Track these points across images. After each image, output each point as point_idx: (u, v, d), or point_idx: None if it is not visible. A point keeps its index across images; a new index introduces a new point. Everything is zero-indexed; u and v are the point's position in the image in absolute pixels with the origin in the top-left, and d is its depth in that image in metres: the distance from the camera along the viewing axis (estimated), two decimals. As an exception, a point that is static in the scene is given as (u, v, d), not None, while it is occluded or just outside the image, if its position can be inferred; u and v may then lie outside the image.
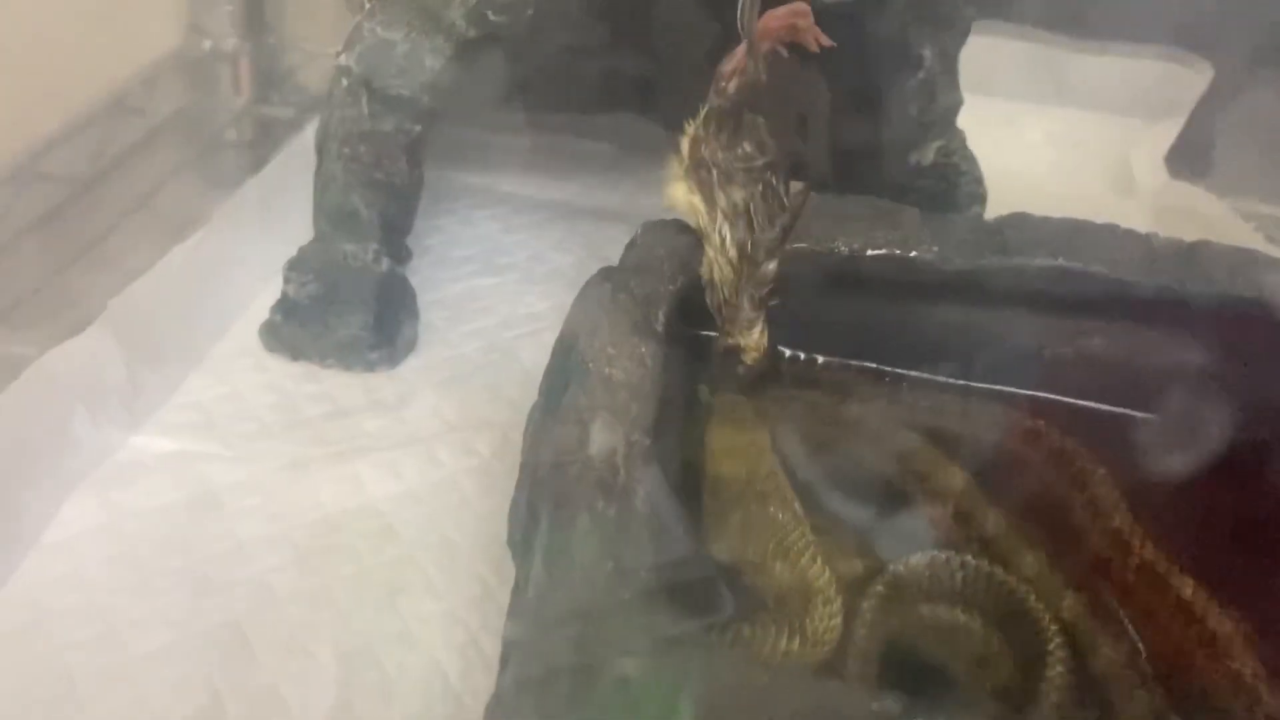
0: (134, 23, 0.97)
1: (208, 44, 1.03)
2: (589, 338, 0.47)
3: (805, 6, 0.56)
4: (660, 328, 0.50)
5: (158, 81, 0.98)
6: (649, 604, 0.36)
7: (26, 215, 0.78)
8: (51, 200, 0.80)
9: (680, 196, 0.56)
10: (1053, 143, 0.98)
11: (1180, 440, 0.58)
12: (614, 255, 0.56)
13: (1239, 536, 0.54)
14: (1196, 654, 0.47)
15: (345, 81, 0.63)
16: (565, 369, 0.49)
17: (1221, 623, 0.47)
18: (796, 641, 0.43)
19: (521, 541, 0.48)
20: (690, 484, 0.51)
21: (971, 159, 0.73)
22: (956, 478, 0.53)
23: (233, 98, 1.03)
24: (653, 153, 0.61)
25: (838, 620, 0.45)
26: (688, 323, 0.54)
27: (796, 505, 0.49)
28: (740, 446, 0.52)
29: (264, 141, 0.97)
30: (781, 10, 0.56)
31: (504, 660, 0.41)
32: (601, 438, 0.42)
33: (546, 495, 0.42)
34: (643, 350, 0.47)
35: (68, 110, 0.87)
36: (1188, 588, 0.48)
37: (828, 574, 0.46)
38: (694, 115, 0.58)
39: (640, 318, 0.49)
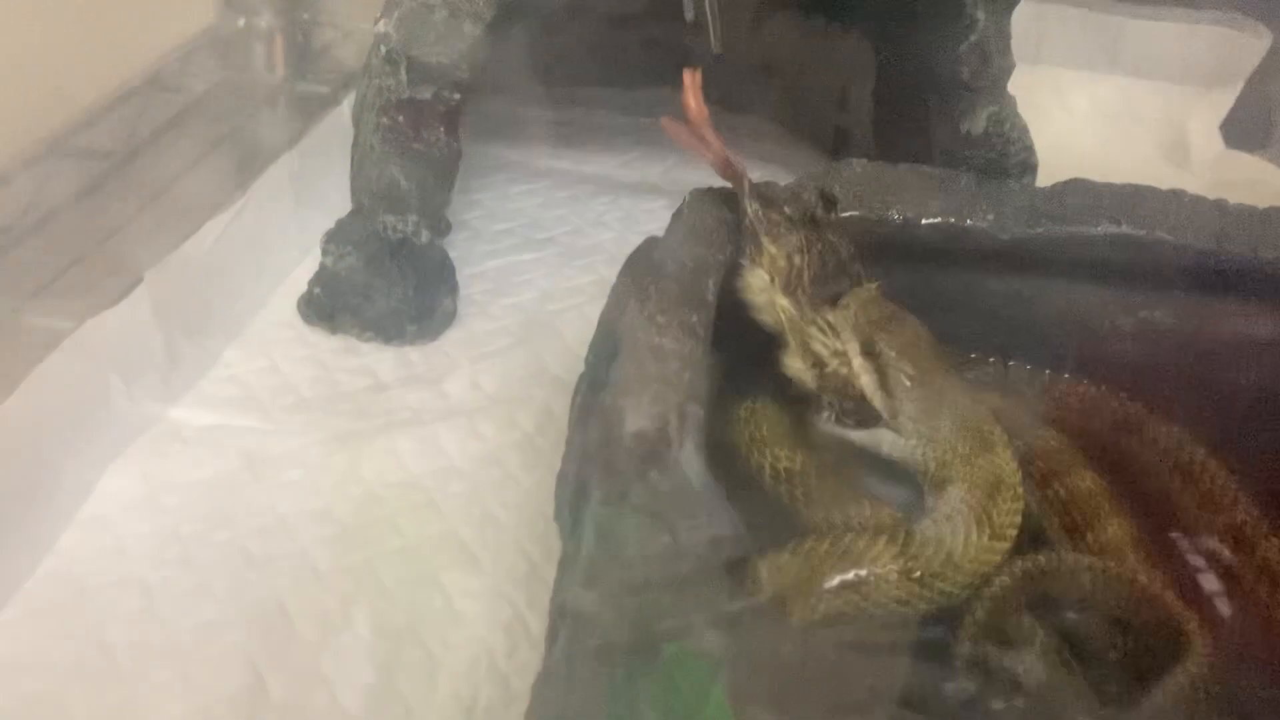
0: (169, 0, 0.97)
1: (242, 21, 1.02)
2: (637, 307, 0.46)
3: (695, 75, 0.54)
4: (710, 297, 0.48)
5: (192, 59, 0.97)
6: (706, 579, 0.34)
7: (62, 191, 0.77)
8: (87, 176, 0.79)
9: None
10: (1104, 112, 0.95)
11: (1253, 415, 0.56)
12: (655, 229, 0.55)
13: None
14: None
15: (383, 49, 0.61)
16: (612, 339, 0.47)
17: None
18: (985, 534, 0.43)
19: (570, 516, 0.47)
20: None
21: (1023, 127, 0.71)
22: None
23: (267, 75, 1.02)
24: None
25: (1019, 518, 0.45)
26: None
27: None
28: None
29: (299, 118, 0.95)
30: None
31: (551, 636, 0.40)
32: (654, 409, 0.41)
33: (597, 468, 0.41)
34: (693, 319, 0.46)
35: (103, 87, 0.87)
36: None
37: (1019, 472, 0.46)
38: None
39: (690, 286, 0.47)
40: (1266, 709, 0.42)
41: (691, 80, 0.53)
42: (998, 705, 0.30)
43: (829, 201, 0.53)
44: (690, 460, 0.39)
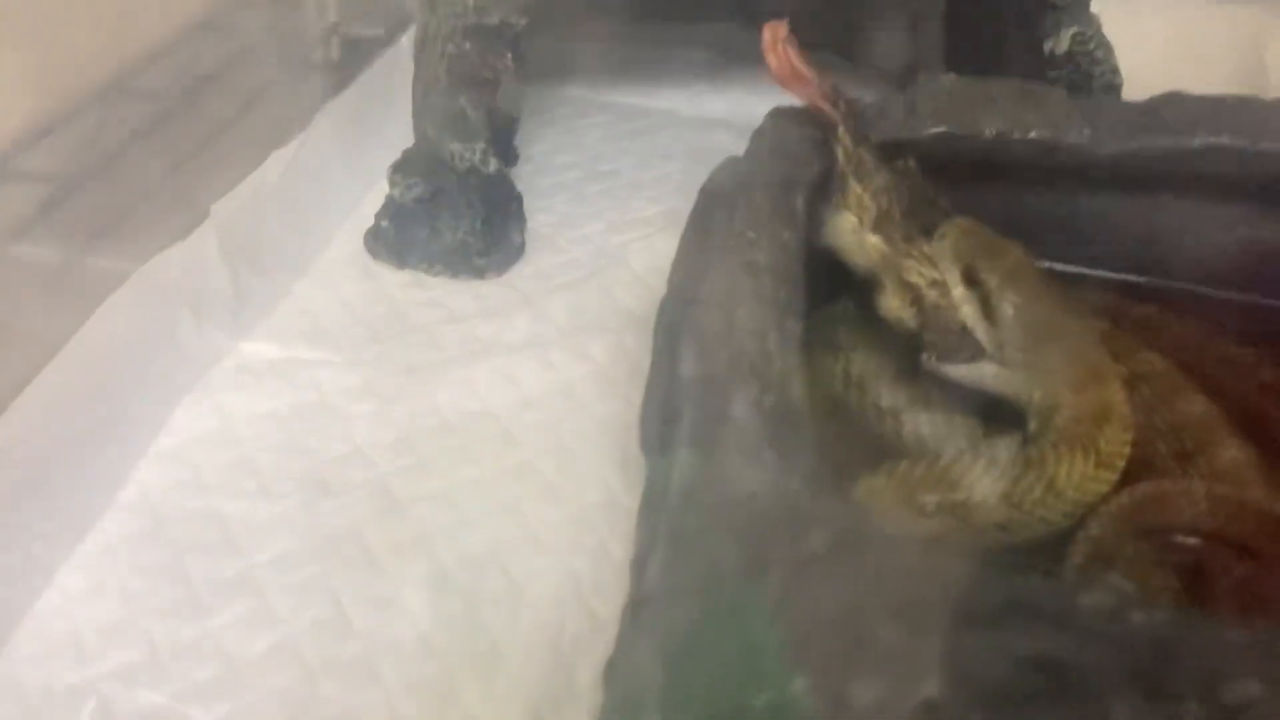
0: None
1: (289, -34, 1.00)
2: (726, 223, 0.44)
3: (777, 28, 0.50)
4: (801, 212, 0.46)
5: (245, 3, 0.95)
6: (818, 493, 0.33)
7: (122, 132, 0.76)
8: (146, 117, 0.78)
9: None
10: (1181, 36, 0.91)
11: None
12: (721, 161, 0.52)
13: None
14: None
15: (447, -28, 0.60)
16: (699, 257, 0.46)
17: None
18: (1091, 462, 0.41)
19: (659, 440, 0.45)
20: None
21: (1108, 46, 0.68)
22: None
23: (318, 18, 1.00)
24: (755, 60, 0.56)
25: (1128, 449, 0.43)
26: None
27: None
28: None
29: (352, 61, 0.94)
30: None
31: (640, 564, 0.38)
32: (752, 324, 0.39)
33: (691, 389, 0.39)
34: (785, 235, 0.44)
35: (157, 31, 0.86)
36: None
37: (1128, 402, 0.44)
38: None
39: (780, 201, 0.45)
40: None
41: (770, 37, 0.50)
42: (1138, 617, 0.28)
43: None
44: (793, 377, 0.37)
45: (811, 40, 0.88)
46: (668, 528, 0.38)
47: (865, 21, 0.87)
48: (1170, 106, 0.54)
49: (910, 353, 0.49)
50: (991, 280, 0.46)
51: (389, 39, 0.89)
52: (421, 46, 0.66)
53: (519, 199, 0.66)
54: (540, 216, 0.68)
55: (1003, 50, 0.72)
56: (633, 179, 0.74)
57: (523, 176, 0.71)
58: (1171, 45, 0.92)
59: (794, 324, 0.39)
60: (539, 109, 0.80)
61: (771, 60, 0.49)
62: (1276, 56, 0.89)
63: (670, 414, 0.42)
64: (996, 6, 0.71)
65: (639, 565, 0.38)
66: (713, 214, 0.47)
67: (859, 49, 0.88)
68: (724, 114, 0.81)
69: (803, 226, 0.46)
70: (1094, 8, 0.70)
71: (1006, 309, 0.46)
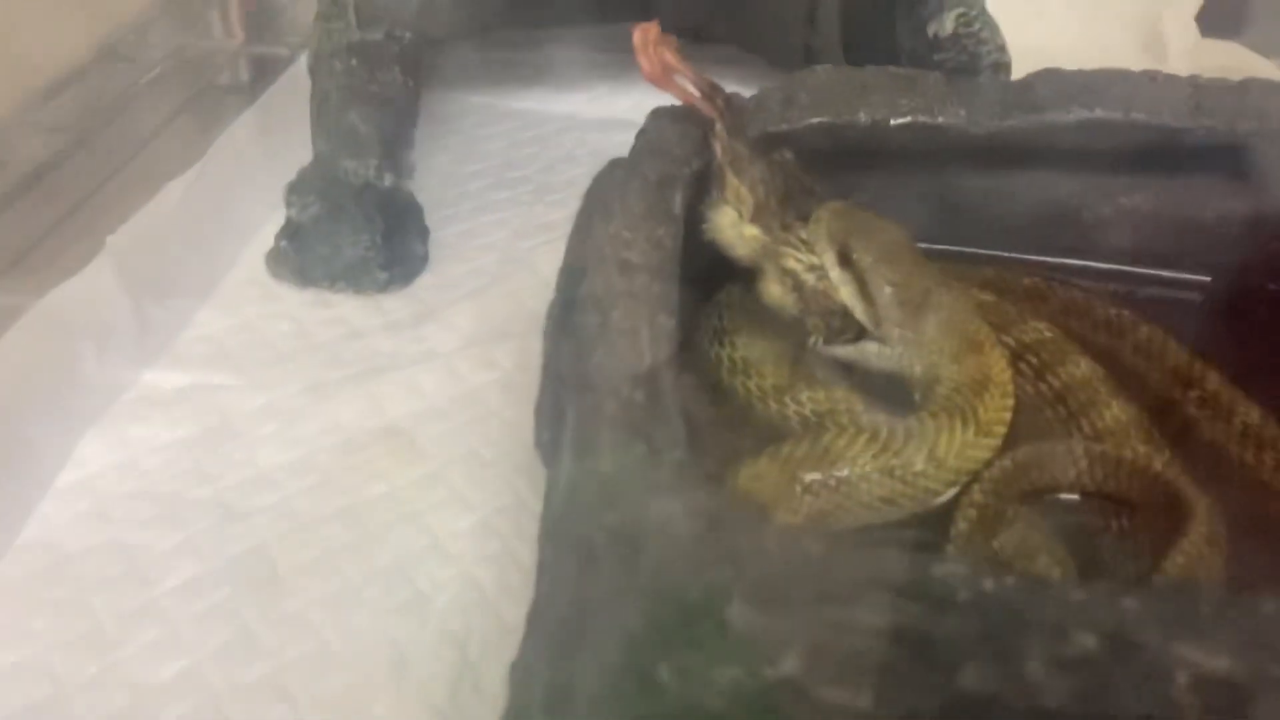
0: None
1: (195, -13, 1.00)
2: (603, 225, 0.45)
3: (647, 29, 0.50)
4: (677, 209, 0.47)
5: (148, 28, 0.95)
6: (684, 483, 0.34)
7: (22, 168, 0.76)
8: (47, 152, 0.78)
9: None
10: (1078, 12, 0.93)
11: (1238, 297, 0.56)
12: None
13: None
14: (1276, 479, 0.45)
15: (329, -9, 0.60)
16: (581, 261, 0.46)
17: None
18: (971, 430, 0.42)
19: (550, 441, 0.46)
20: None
21: (994, 25, 0.69)
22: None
23: (225, 40, 1.00)
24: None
25: (1008, 415, 0.44)
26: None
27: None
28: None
29: (260, 82, 0.94)
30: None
31: (541, 565, 0.39)
32: (626, 322, 0.40)
33: (571, 388, 0.40)
34: (660, 232, 0.45)
35: (58, 62, 0.85)
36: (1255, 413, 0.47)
37: (1008, 369, 0.45)
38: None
39: (655, 200, 0.46)
40: (1262, 578, 0.41)
41: (641, 39, 0.50)
42: (989, 586, 0.29)
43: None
44: (663, 371, 0.38)
45: (711, 34, 0.90)
46: (554, 529, 0.39)
47: (763, 13, 0.88)
48: (1044, 83, 0.55)
49: (797, 335, 0.50)
50: (866, 259, 0.47)
51: (293, 58, 0.89)
52: (314, 65, 0.66)
53: (420, 210, 0.66)
54: (445, 227, 0.69)
55: (894, 36, 0.73)
56: (538, 184, 0.75)
57: (427, 187, 0.71)
58: (1071, 18, 0.94)
59: (666, 319, 0.40)
60: (442, 119, 0.81)
61: (643, 62, 0.49)
62: (1172, 22, 0.91)
63: (557, 416, 0.43)
64: (882, -4, 0.72)
65: (541, 566, 0.39)
66: (593, 216, 0.48)
67: (758, 41, 0.89)
68: (627, 114, 0.81)
69: (680, 223, 0.47)
70: (988, -16, 0.71)
71: (883, 287, 0.47)
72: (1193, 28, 0.88)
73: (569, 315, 0.44)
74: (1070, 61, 0.62)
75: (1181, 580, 0.37)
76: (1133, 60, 0.88)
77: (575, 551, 0.35)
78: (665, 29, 0.95)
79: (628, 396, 0.37)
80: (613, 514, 0.33)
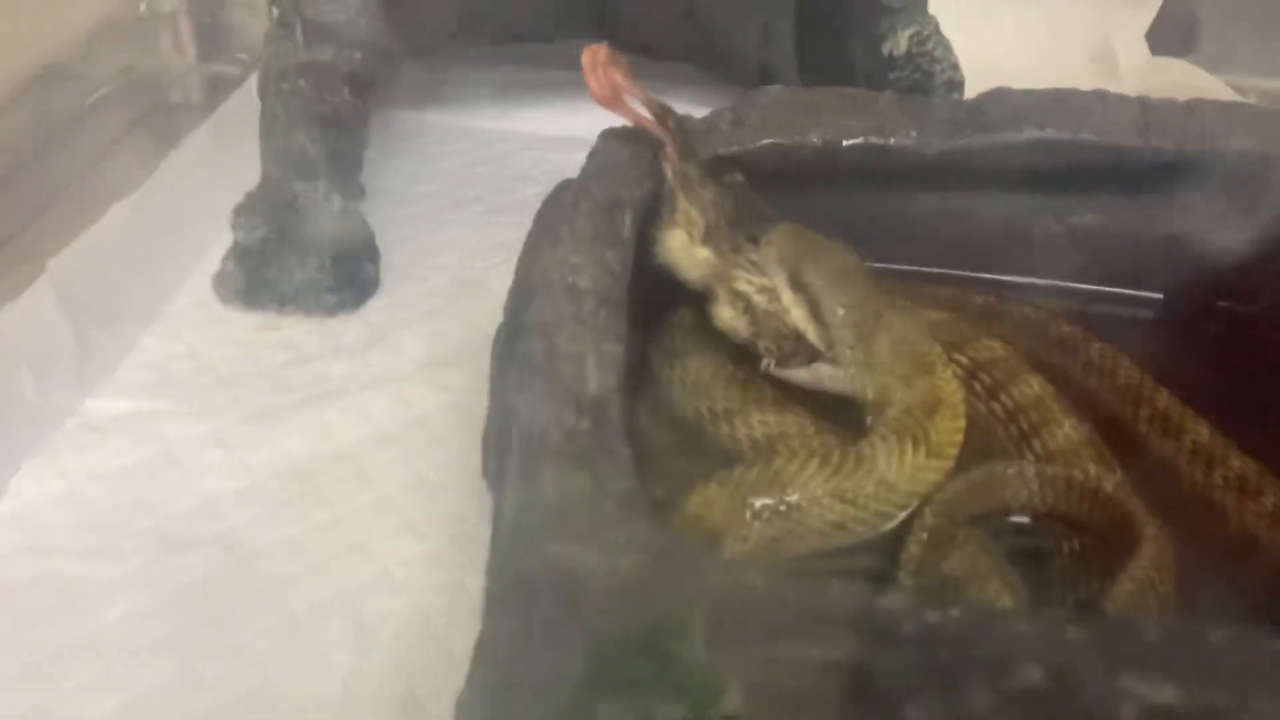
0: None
1: (144, 5, 0.99)
2: (550, 249, 0.44)
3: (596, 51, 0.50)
4: (627, 233, 0.46)
5: (95, 47, 0.94)
6: (629, 515, 0.33)
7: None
8: (-9, 171, 0.77)
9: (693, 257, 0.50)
10: (1031, 31, 0.94)
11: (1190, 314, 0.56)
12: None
13: (1252, 407, 0.51)
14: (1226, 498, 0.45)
15: (277, 12, 0.59)
16: (529, 286, 0.46)
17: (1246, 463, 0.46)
18: (922, 452, 0.42)
19: (496, 470, 0.45)
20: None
21: (947, 45, 0.70)
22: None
23: (176, 58, 0.99)
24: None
25: (960, 437, 0.44)
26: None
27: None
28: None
29: (212, 99, 0.93)
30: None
31: (488, 597, 0.38)
32: (571, 349, 0.39)
33: (515, 418, 0.39)
34: (609, 256, 0.44)
35: (2, 82, 0.84)
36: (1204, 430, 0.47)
37: (960, 390, 0.45)
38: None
39: (604, 224, 0.46)
40: (1212, 600, 0.41)
41: (590, 61, 0.49)
42: (933, 618, 0.29)
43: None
44: (610, 399, 0.37)
45: (667, 52, 0.90)
46: (498, 561, 0.38)
47: (719, 32, 0.88)
48: (995, 103, 0.55)
49: (750, 358, 0.50)
50: (818, 282, 0.47)
51: (243, 76, 0.88)
52: (263, 85, 0.65)
53: (370, 233, 0.65)
54: (397, 248, 0.68)
55: (849, 56, 0.73)
56: (493, 204, 0.75)
57: (379, 209, 0.71)
58: (1024, 38, 0.95)
59: (613, 346, 0.40)
60: (396, 139, 0.80)
61: (592, 83, 0.49)
62: (1123, 41, 0.92)
63: (504, 444, 0.42)
64: (838, 13, 0.72)
65: (488, 596, 0.38)
66: (542, 240, 0.48)
67: (714, 59, 0.89)
68: (585, 132, 0.80)
69: (630, 246, 0.46)
70: (947, 6, 0.71)
71: (834, 309, 0.47)
72: (1143, 46, 0.89)
73: (515, 341, 0.43)
74: (1023, 79, 0.62)
75: (1130, 608, 0.37)
76: (1084, 78, 0.89)
77: (518, 585, 0.34)
78: (621, 47, 0.95)
79: (572, 425, 0.36)
80: (555, 546, 0.32)
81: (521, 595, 0.34)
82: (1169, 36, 0.91)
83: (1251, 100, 0.83)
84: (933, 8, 0.69)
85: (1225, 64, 0.89)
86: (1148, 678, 0.27)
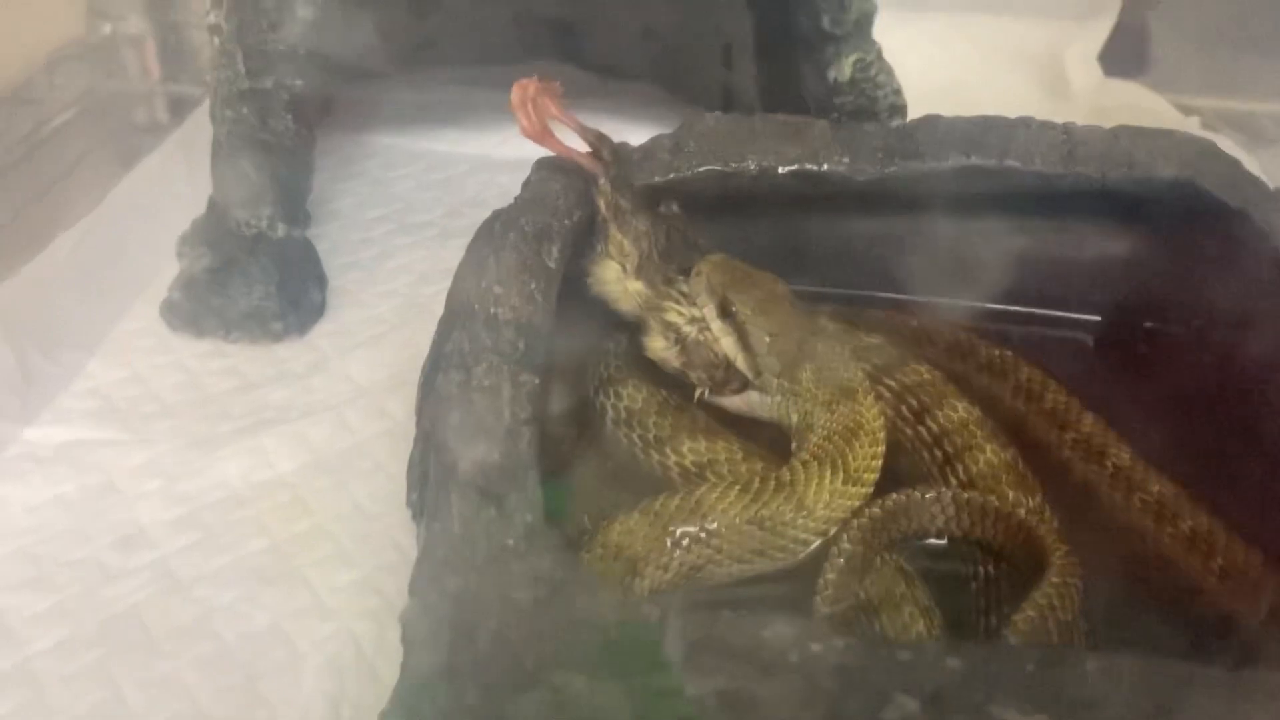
0: (29, 14, 0.94)
1: (109, 28, 0.99)
2: (475, 279, 0.45)
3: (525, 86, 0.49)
4: (554, 263, 0.47)
5: (59, 69, 0.94)
6: (532, 547, 0.34)
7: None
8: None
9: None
10: (983, 52, 0.95)
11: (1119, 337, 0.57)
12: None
13: (1187, 429, 0.52)
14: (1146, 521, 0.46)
15: (217, 40, 0.60)
16: (455, 315, 0.46)
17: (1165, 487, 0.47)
18: (840, 478, 0.43)
19: (418, 500, 0.46)
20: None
21: (889, 70, 0.70)
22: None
23: (140, 80, 0.99)
24: (573, 97, 0.57)
25: (878, 463, 0.44)
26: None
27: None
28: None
29: (176, 122, 0.94)
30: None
31: (404, 624, 0.39)
32: (487, 380, 0.40)
33: (432, 448, 0.40)
34: (533, 287, 0.45)
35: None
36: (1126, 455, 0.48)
37: (880, 417, 0.46)
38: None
39: (530, 254, 0.46)
40: (1121, 621, 0.42)
41: (520, 96, 0.49)
42: (816, 648, 0.29)
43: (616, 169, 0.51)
44: (522, 430, 0.38)
45: (629, 72, 0.90)
46: (414, 587, 0.38)
47: (681, 53, 0.88)
48: (924, 130, 0.56)
49: (682, 385, 0.50)
50: (745, 311, 0.47)
51: (200, 99, 0.89)
52: (211, 113, 0.66)
53: (317, 259, 0.66)
54: (346, 273, 0.69)
55: (799, 79, 0.74)
56: (444, 228, 0.75)
57: (329, 233, 0.71)
58: (977, 62, 0.96)
59: (529, 376, 0.40)
60: (347, 161, 0.80)
61: (521, 119, 0.49)
62: (1075, 63, 0.93)
63: (425, 474, 0.43)
64: (790, 36, 0.73)
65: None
66: (470, 269, 0.48)
67: (676, 79, 0.90)
68: (538, 155, 0.82)
69: (557, 276, 0.47)
70: (903, 32, 0.72)
71: (761, 337, 0.47)
72: (1095, 67, 0.90)
73: (436, 372, 0.44)
74: (975, 100, 0.63)
75: (1031, 636, 0.38)
76: (1036, 99, 0.91)
77: (426, 616, 0.35)
78: (584, 67, 0.96)
79: (482, 457, 0.37)
80: (456, 579, 0.33)
81: (430, 625, 0.34)
82: (1121, 57, 0.92)
83: (1196, 119, 0.84)
84: (885, 30, 0.69)
85: (1177, 84, 0.90)
86: (1020, 708, 0.28)
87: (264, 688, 0.45)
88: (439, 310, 0.65)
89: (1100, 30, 0.93)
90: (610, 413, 0.50)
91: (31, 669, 0.45)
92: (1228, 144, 0.66)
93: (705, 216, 0.54)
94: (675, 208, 0.53)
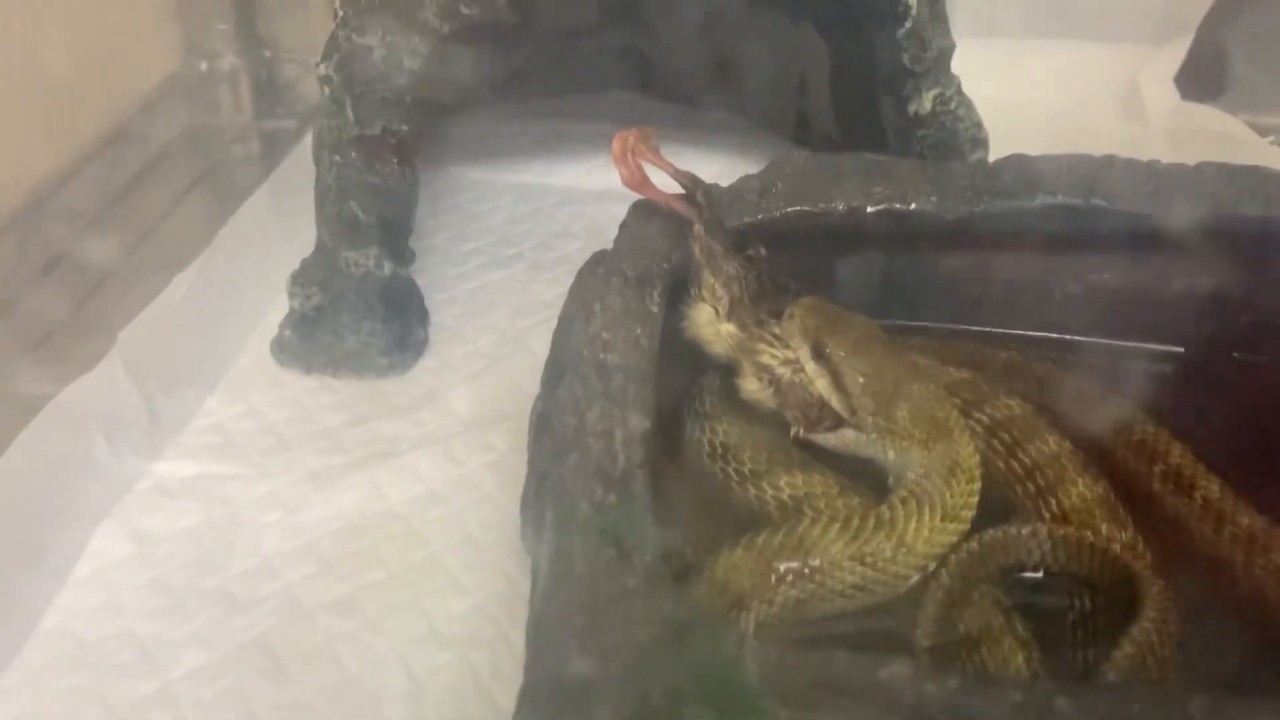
0: (129, 52, 0.98)
1: (204, 65, 1.03)
2: (583, 325, 0.47)
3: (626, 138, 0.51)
4: (655, 308, 0.49)
5: (158, 107, 0.98)
6: (652, 588, 0.36)
7: (40, 255, 0.79)
8: (62, 236, 0.81)
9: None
10: (1059, 77, 0.96)
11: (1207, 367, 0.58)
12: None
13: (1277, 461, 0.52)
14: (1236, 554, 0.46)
15: (328, 90, 0.63)
16: (563, 358, 0.49)
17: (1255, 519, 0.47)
18: (938, 515, 0.44)
19: (533, 536, 0.48)
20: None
21: (969, 104, 0.72)
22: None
23: (235, 116, 1.03)
24: (652, 127, 0.60)
25: (974, 499, 0.46)
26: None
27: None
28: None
29: (271, 155, 0.97)
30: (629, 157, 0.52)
31: (528, 654, 0.41)
32: (601, 424, 0.42)
33: (549, 488, 0.42)
34: (638, 332, 0.47)
35: (71, 145, 0.88)
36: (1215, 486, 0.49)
37: (975, 454, 0.47)
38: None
39: (634, 300, 0.49)
40: (1216, 659, 0.43)
41: (620, 148, 0.51)
42: (930, 689, 0.31)
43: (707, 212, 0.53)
44: (635, 474, 0.40)
45: (705, 101, 0.92)
46: (535, 626, 0.41)
47: (756, 82, 0.90)
48: (1010, 169, 0.57)
49: (776, 421, 0.52)
50: (839, 353, 0.49)
51: (302, 132, 0.92)
52: (317, 153, 0.69)
53: (419, 295, 0.69)
54: (445, 309, 0.71)
55: (880, 112, 0.75)
56: (534, 260, 0.78)
57: (426, 268, 0.74)
58: (1053, 86, 0.96)
59: (640, 421, 0.42)
60: (441, 195, 0.83)
61: (622, 170, 0.52)
62: (1151, 87, 0.93)
63: (541, 511, 0.45)
64: (868, 70, 0.74)
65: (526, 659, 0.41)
66: (576, 313, 0.50)
67: (752, 107, 0.92)
68: (623, 187, 0.84)
69: (659, 320, 0.49)
70: (976, 59, 0.73)
71: (856, 378, 0.49)
72: (1172, 90, 0.91)
73: (547, 414, 0.46)
74: (1056, 127, 0.63)
75: (1129, 673, 0.39)
76: (1114, 124, 0.91)
77: (552, 650, 0.37)
78: (662, 97, 0.98)
79: (600, 500, 0.39)
80: (583, 618, 0.35)
81: (554, 659, 0.36)
82: (1198, 79, 0.92)
83: (1274, 142, 0.85)
84: (961, 55, 0.70)
85: (1254, 104, 0.90)
86: (1129, 747, 0.29)
87: (388, 711, 0.47)
88: (534, 344, 0.69)
89: (1176, 53, 0.93)
90: (706, 447, 0.52)
91: (172, 693, 0.48)
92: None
93: (792, 253, 0.56)
94: (762, 250, 0.55)
